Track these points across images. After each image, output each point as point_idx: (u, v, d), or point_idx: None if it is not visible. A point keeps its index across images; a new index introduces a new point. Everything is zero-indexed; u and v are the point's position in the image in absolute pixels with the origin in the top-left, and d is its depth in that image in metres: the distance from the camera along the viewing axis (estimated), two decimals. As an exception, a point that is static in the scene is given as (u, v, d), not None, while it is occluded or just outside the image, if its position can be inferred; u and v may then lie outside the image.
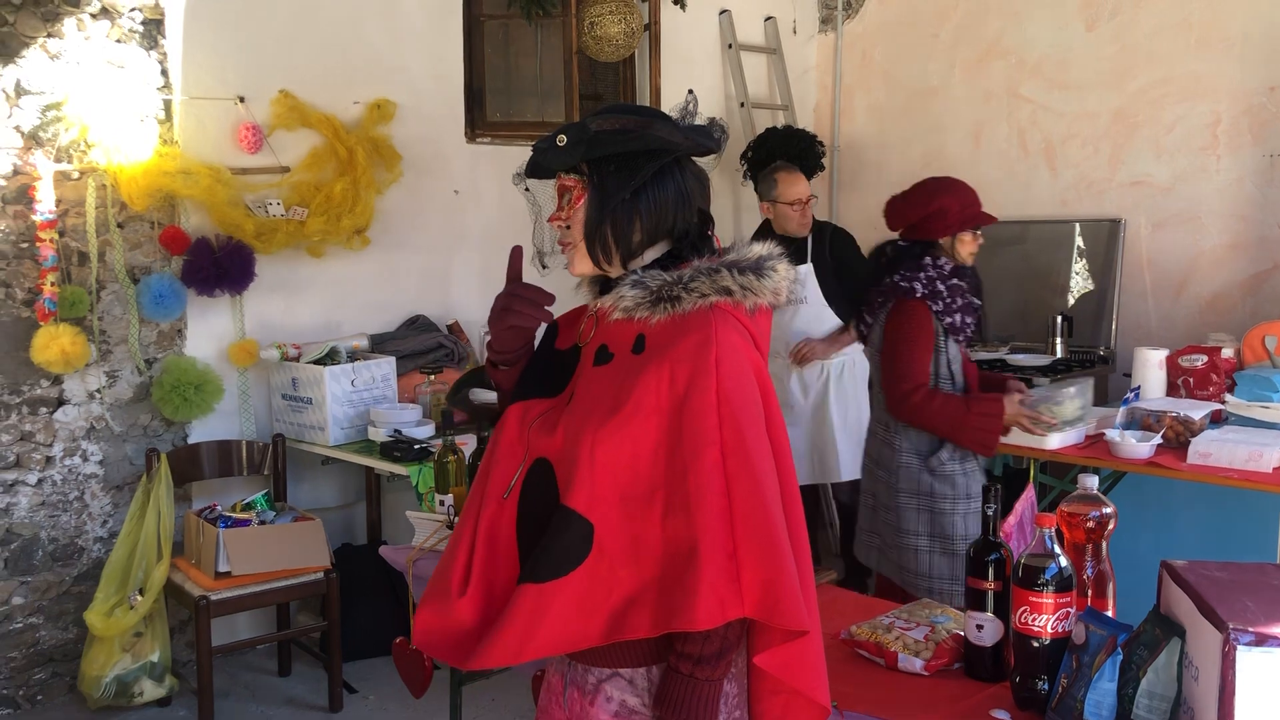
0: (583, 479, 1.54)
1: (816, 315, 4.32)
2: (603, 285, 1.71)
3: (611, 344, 1.63)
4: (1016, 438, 3.56)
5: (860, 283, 3.27)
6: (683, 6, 5.27)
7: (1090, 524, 1.87)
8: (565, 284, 1.78)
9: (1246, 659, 1.42)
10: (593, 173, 1.63)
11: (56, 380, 3.68)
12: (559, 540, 1.55)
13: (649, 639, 1.57)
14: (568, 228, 1.67)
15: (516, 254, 1.73)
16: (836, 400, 4.38)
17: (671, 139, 1.63)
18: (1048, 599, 1.74)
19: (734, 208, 5.64)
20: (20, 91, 3.55)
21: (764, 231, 4.43)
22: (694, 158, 1.70)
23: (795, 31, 5.96)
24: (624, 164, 1.62)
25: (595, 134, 1.62)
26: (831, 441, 4.37)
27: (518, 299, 1.66)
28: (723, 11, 5.60)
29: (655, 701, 1.58)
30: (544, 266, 1.75)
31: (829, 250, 4.37)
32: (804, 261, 4.31)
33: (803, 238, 4.33)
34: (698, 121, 1.69)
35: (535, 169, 1.70)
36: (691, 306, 1.58)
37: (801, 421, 4.35)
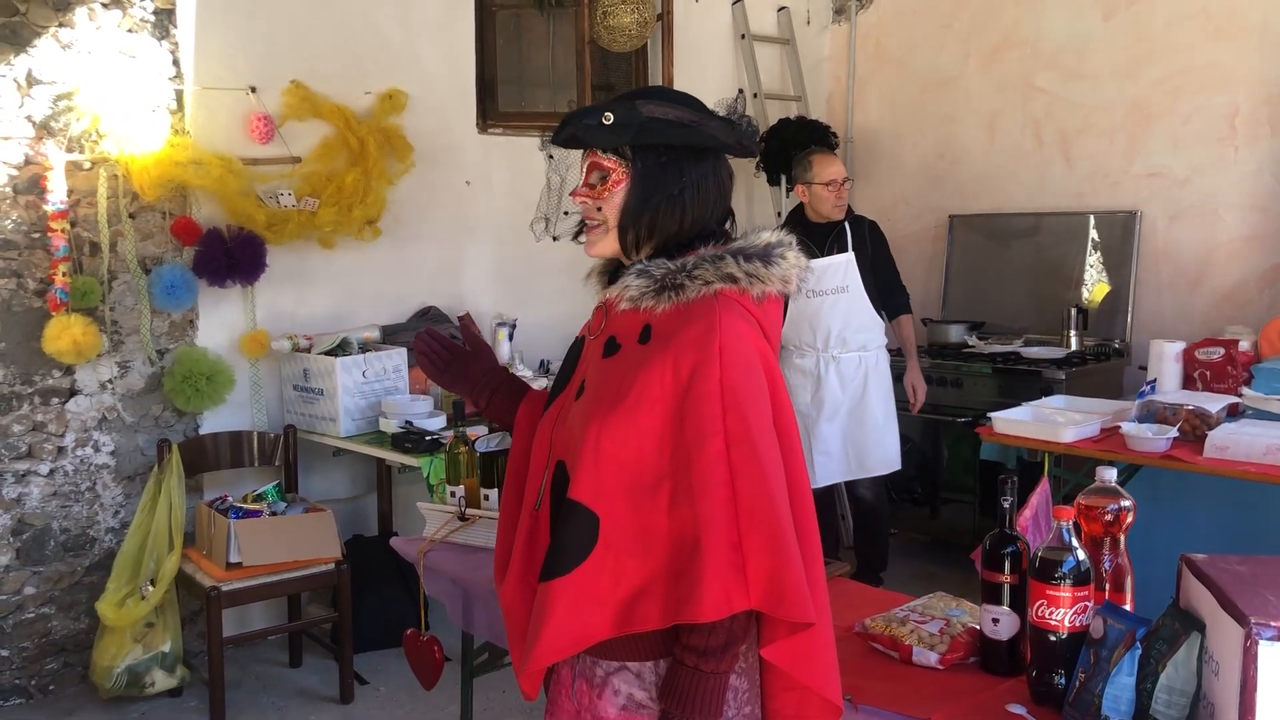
0: (587, 470, 1.53)
1: (854, 304, 4.23)
2: (610, 276, 1.69)
3: (619, 335, 1.62)
4: (1029, 429, 3.54)
5: None
6: (695, -4, 5.25)
7: (1108, 517, 1.85)
8: (574, 266, 1.78)
9: (1268, 654, 1.40)
10: (637, 159, 1.60)
11: (68, 370, 3.69)
12: (565, 534, 1.54)
13: (658, 633, 1.56)
14: (599, 209, 1.63)
15: (464, 319, 1.92)
16: (877, 392, 4.28)
17: (726, 139, 1.61)
18: (1065, 592, 1.72)
19: (747, 200, 5.62)
20: (32, 81, 3.55)
21: (796, 217, 4.40)
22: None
23: (809, 22, 5.93)
24: (673, 156, 1.59)
25: (647, 120, 1.57)
26: (873, 435, 4.26)
27: (417, 343, 1.87)
28: (736, 2, 5.56)
29: (660, 694, 1.56)
30: (554, 238, 1.76)
31: (868, 241, 4.33)
32: (845, 250, 4.25)
33: (840, 226, 4.27)
34: (737, 121, 1.66)
35: (571, 141, 1.63)
36: (696, 294, 1.55)
37: (839, 416, 4.24)
